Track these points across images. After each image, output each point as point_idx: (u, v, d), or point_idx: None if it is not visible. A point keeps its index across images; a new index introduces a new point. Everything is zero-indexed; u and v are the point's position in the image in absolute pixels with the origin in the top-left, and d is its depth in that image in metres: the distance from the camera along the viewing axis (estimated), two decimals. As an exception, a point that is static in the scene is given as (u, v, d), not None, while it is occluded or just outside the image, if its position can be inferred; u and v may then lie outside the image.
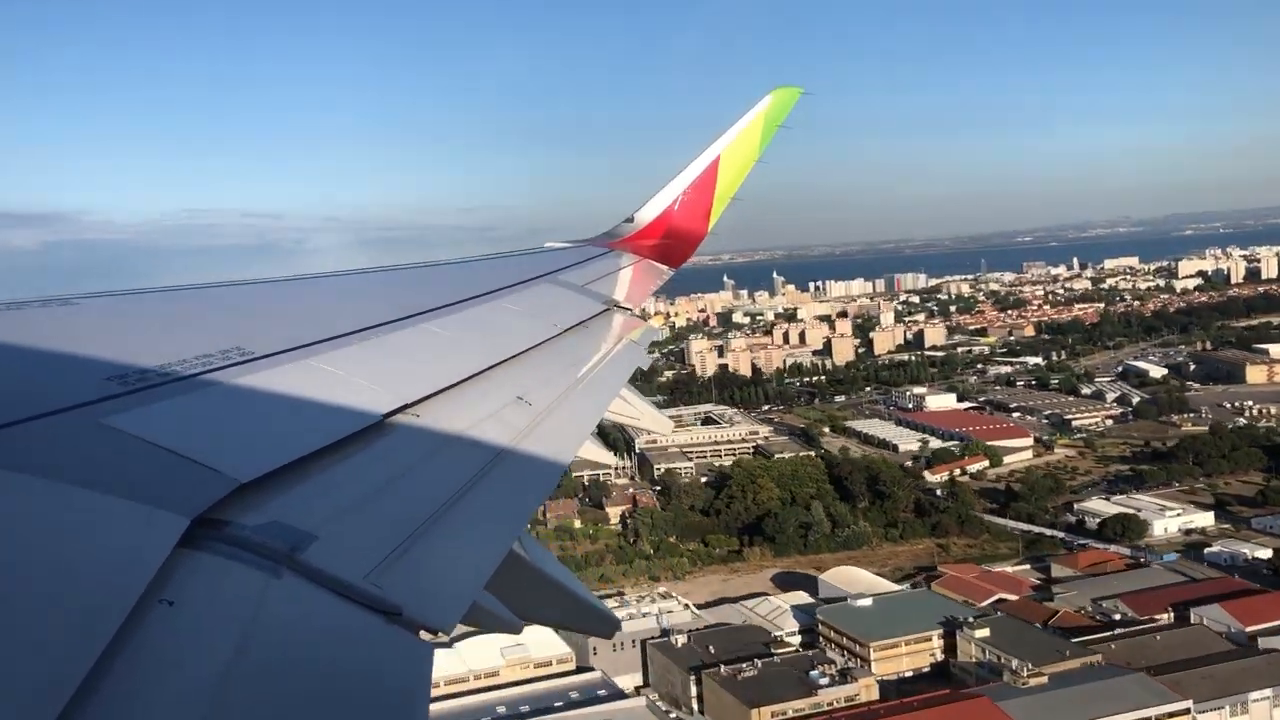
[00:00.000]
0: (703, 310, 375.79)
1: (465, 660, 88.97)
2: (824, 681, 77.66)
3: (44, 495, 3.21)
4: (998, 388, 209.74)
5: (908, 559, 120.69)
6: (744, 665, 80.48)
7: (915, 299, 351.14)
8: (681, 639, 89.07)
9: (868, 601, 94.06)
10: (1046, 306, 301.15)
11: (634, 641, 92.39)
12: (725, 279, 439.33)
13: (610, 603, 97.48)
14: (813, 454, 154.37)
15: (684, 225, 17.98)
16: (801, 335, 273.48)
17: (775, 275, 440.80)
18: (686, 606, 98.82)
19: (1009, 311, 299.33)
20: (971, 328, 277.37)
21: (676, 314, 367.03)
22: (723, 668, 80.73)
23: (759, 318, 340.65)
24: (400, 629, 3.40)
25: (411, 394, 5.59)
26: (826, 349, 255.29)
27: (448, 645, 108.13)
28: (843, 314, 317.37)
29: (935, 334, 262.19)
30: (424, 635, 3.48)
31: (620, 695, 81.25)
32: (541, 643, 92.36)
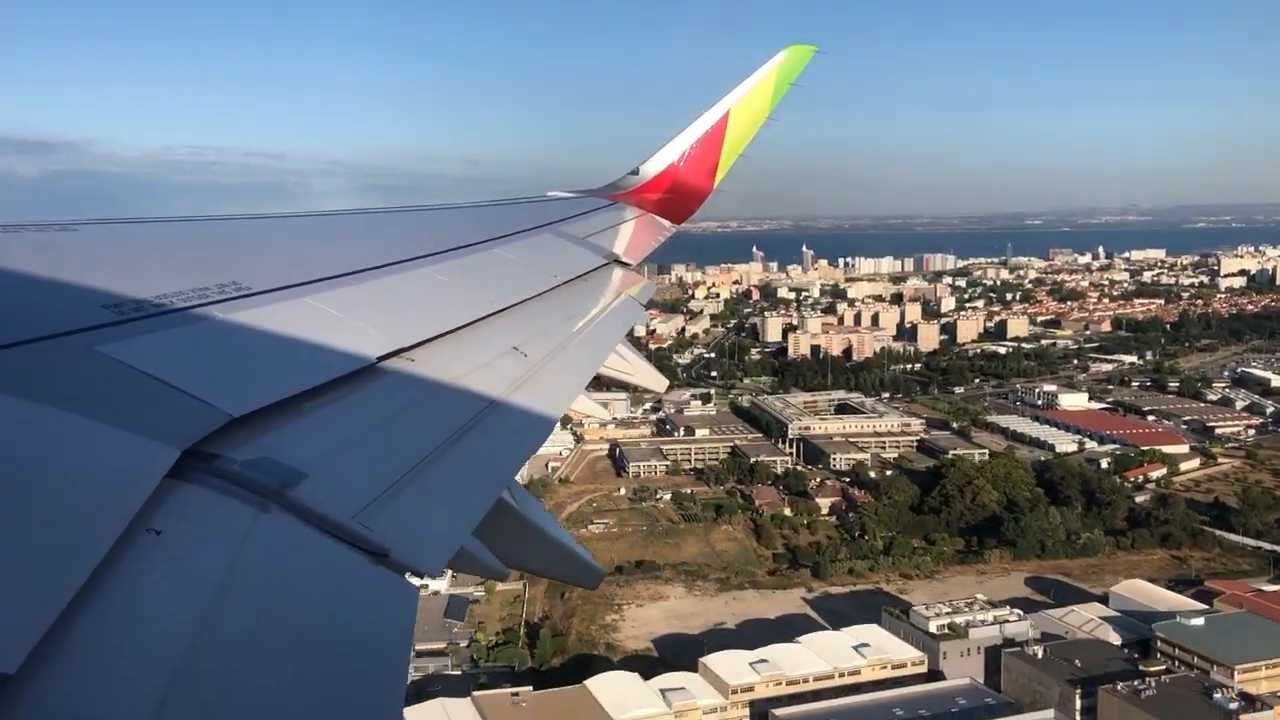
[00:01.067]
0: (738, 282, 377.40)
1: (825, 657, 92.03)
2: (1233, 706, 78.43)
3: (34, 420, 3.19)
4: (1110, 386, 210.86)
5: (1148, 570, 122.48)
6: (1137, 683, 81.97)
7: (959, 280, 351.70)
8: (1037, 649, 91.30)
9: (1199, 620, 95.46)
10: (1106, 300, 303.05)
11: (979, 649, 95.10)
12: (754, 250, 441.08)
13: (943, 608, 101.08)
14: (988, 453, 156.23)
15: (690, 180, 17.74)
16: (875, 318, 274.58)
17: (805, 249, 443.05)
18: (1020, 616, 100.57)
19: (1067, 303, 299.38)
20: (1041, 319, 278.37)
21: (713, 285, 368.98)
22: (1119, 685, 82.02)
23: (804, 294, 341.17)
24: (386, 570, 3.42)
25: (407, 338, 5.61)
26: (909, 334, 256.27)
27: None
28: (898, 296, 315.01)
29: (1018, 325, 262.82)
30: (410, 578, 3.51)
31: (1008, 706, 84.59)
32: (888, 644, 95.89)
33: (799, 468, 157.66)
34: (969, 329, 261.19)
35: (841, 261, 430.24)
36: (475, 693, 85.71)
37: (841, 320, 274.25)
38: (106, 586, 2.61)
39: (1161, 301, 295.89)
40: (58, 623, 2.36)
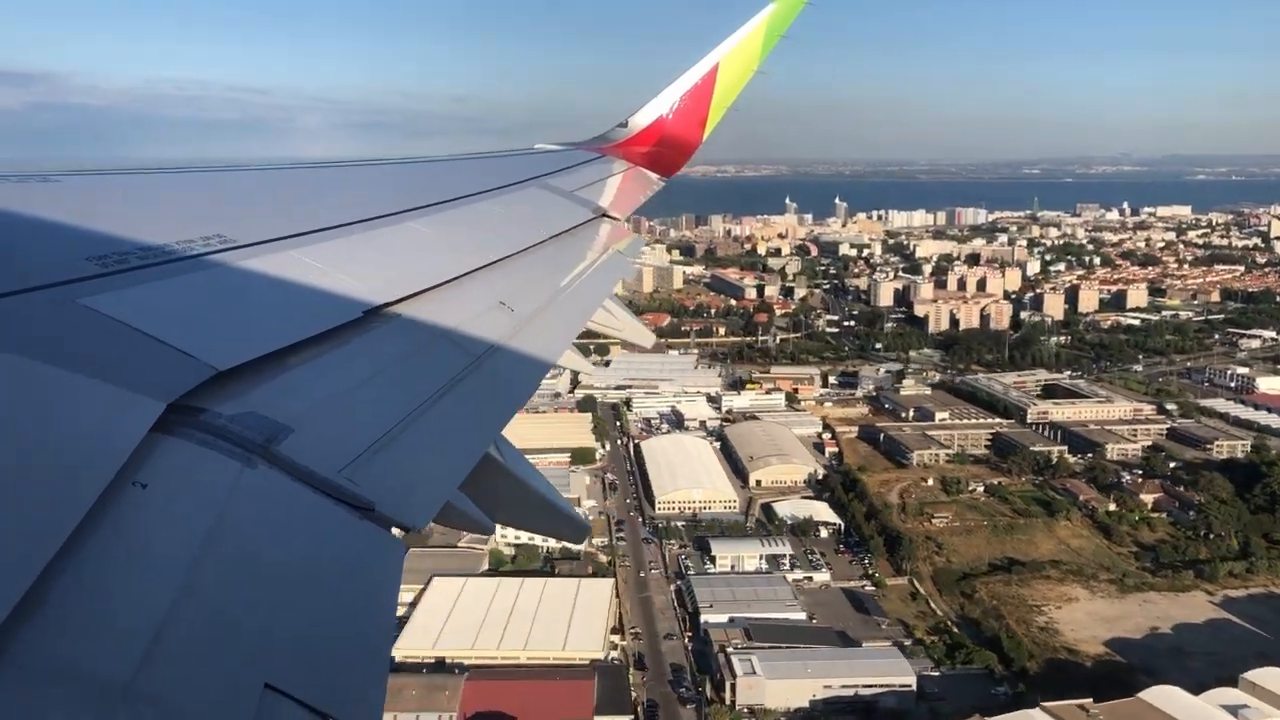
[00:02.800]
0: (783, 235, 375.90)
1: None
2: None
3: (17, 373, 3.18)
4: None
5: None
6: None
7: (1014, 237, 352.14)
8: None
9: None
10: (1186, 265, 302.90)
11: None
12: (787, 201, 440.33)
13: None
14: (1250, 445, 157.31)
15: (679, 133, 17.61)
16: (981, 283, 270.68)
17: (837, 201, 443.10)
18: None
19: (1148, 268, 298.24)
20: (1137, 286, 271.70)
21: (760, 237, 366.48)
22: None
23: (865, 250, 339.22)
24: (372, 524, 3.48)
25: (394, 292, 5.64)
26: (1032, 303, 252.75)
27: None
28: (974, 257, 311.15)
29: (1138, 295, 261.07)
30: (395, 532, 3.60)
31: None
32: None
33: (1072, 457, 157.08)
34: (1090, 298, 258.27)
35: (875, 214, 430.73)
36: (1044, 703, 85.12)
37: (963, 285, 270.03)
38: (92, 540, 2.61)
39: (1241, 269, 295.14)
40: (43, 575, 2.35)
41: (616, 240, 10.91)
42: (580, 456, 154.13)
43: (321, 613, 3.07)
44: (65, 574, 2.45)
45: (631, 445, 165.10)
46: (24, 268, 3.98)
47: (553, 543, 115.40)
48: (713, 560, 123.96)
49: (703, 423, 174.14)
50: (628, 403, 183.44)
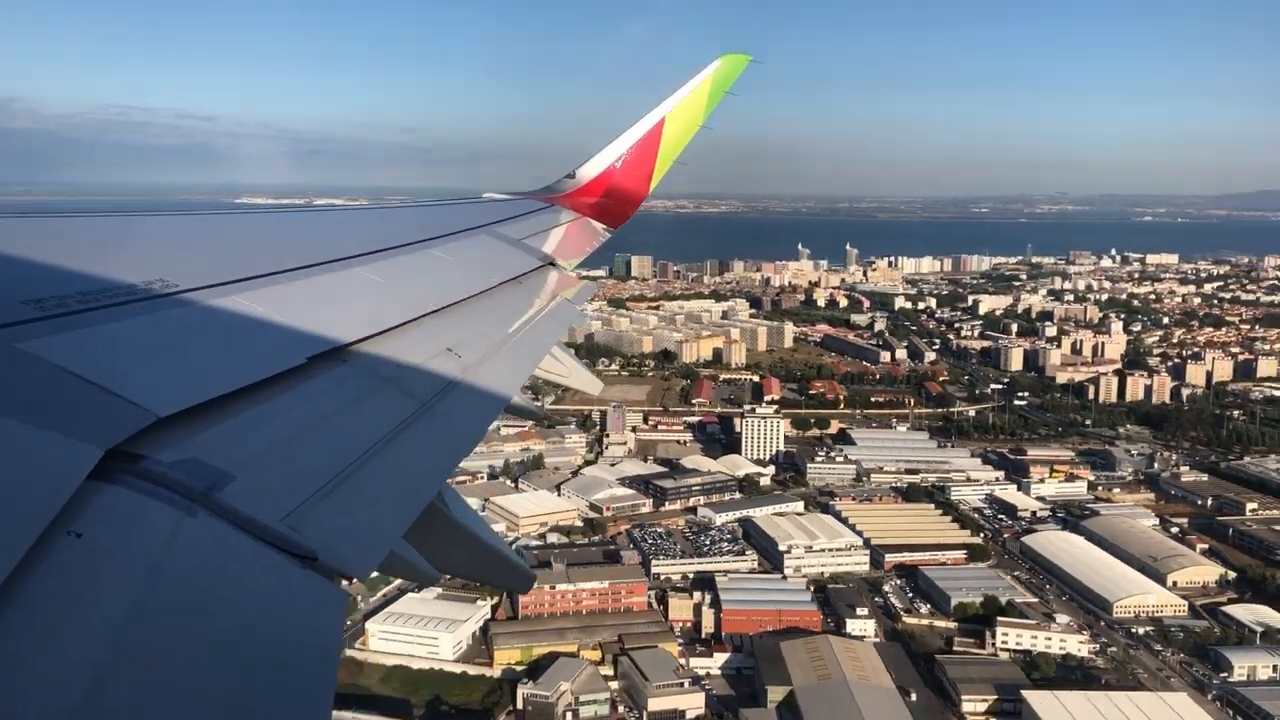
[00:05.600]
0: (816, 283, 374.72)
1: None
2: None
3: None
4: None
5: None
6: None
7: (1037, 289, 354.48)
8: None
9: None
10: (1245, 325, 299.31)
11: None
12: (800, 247, 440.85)
13: None
14: None
15: (625, 185, 17.86)
16: (1097, 349, 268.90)
17: (849, 247, 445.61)
18: None
19: (1223, 329, 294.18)
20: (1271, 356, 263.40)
21: (813, 285, 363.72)
22: None
23: (922, 305, 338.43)
24: (315, 574, 3.43)
25: (340, 338, 5.65)
26: (1171, 371, 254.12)
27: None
28: (1045, 314, 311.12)
29: (1269, 365, 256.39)
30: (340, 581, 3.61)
31: None
32: None
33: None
34: (1224, 367, 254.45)
35: (885, 261, 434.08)
36: None
37: (1063, 345, 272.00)
38: (24, 591, 2.55)
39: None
40: None
41: (564, 288, 10.85)
42: (976, 554, 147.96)
43: (263, 664, 2.96)
44: None
45: (1000, 541, 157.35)
46: None
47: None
48: (1229, 670, 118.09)
49: (1034, 513, 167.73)
50: (941, 488, 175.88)
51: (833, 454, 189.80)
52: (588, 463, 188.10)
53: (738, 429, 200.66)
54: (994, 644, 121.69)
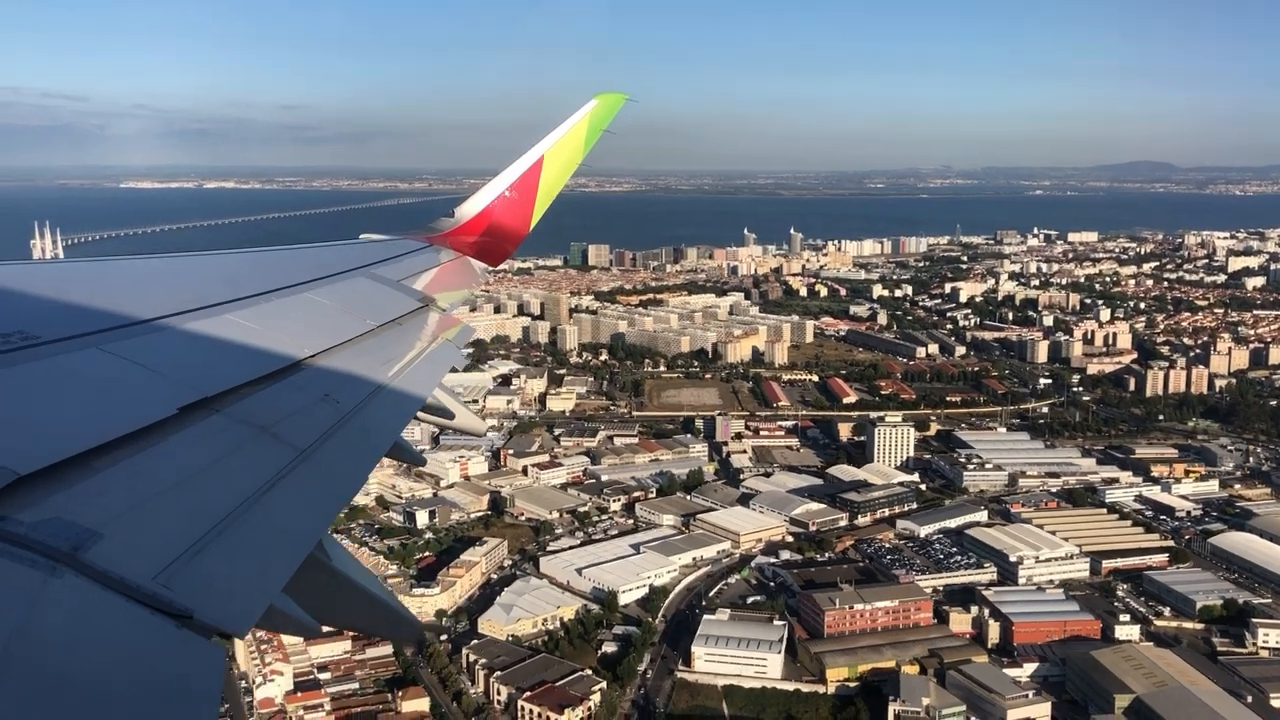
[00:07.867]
0: (778, 270, 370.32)
1: None
2: None
3: None
4: None
5: None
6: None
7: (1000, 271, 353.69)
8: None
9: None
10: (1220, 309, 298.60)
11: None
12: (746, 232, 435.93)
13: None
14: None
15: (505, 223, 17.75)
16: (1109, 338, 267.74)
17: (793, 232, 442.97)
18: None
19: (1199, 315, 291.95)
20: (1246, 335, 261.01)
21: (753, 265, 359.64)
22: None
23: (897, 290, 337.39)
24: (190, 633, 3.30)
25: (211, 387, 5.42)
26: (1190, 360, 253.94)
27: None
28: (1030, 302, 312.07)
29: (1278, 352, 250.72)
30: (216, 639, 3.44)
31: None
32: None
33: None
34: (1240, 357, 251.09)
35: (831, 245, 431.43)
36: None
37: (1090, 338, 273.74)
38: None
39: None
40: None
41: (445, 328, 10.87)
42: (1176, 557, 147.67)
43: None
44: None
45: (1185, 542, 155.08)
46: None
47: None
48: None
49: (1188, 513, 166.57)
50: (1091, 490, 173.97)
51: (961, 459, 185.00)
52: (715, 473, 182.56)
53: (842, 435, 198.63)
54: (1254, 644, 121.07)
